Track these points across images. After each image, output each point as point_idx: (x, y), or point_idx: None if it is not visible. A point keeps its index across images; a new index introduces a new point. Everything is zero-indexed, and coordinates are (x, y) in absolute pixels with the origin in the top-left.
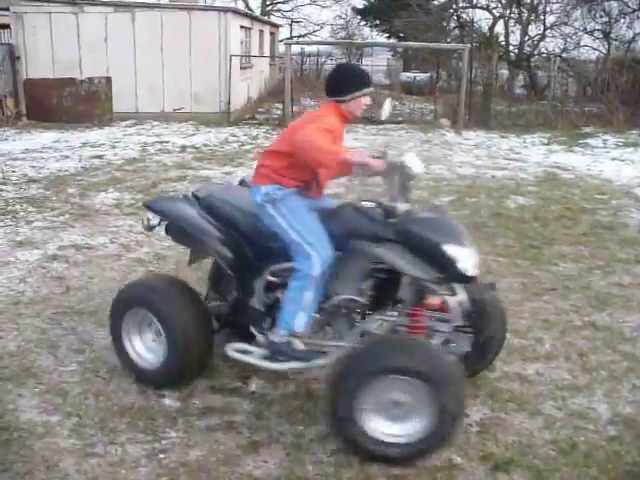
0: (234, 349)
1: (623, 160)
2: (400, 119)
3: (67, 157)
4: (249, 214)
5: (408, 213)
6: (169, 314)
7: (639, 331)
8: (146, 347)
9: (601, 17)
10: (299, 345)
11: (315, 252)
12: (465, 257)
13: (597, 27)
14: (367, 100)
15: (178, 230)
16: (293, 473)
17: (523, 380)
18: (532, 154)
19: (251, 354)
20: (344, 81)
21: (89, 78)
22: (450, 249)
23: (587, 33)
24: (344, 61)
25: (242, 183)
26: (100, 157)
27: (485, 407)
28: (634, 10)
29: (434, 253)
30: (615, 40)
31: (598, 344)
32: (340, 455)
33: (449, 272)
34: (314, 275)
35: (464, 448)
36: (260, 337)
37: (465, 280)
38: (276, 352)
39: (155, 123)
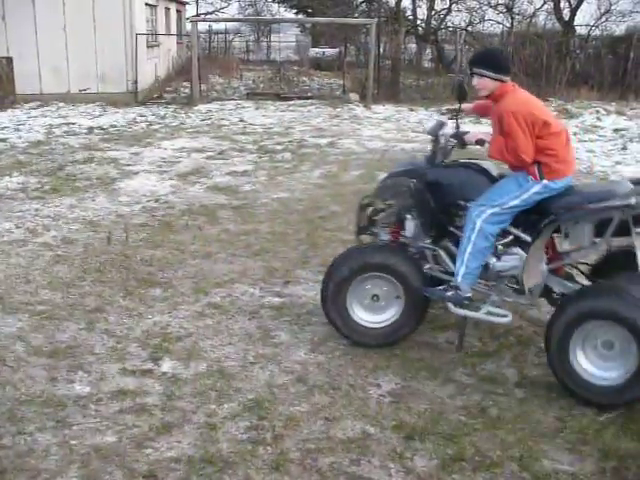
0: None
1: None
2: (309, 95)
3: None
4: None
5: None
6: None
7: None
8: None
9: None
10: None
11: None
12: None
13: (500, 2)
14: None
15: None
16: (207, 452)
17: (434, 348)
18: None
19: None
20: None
21: None
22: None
23: (491, 7)
24: (252, 38)
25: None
26: (3, 140)
27: (397, 377)
28: None
29: None
30: (518, 15)
31: None
32: (254, 432)
33: None
34: None
35: (377, 418)
36: None
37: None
38: None
39: (61, 105)
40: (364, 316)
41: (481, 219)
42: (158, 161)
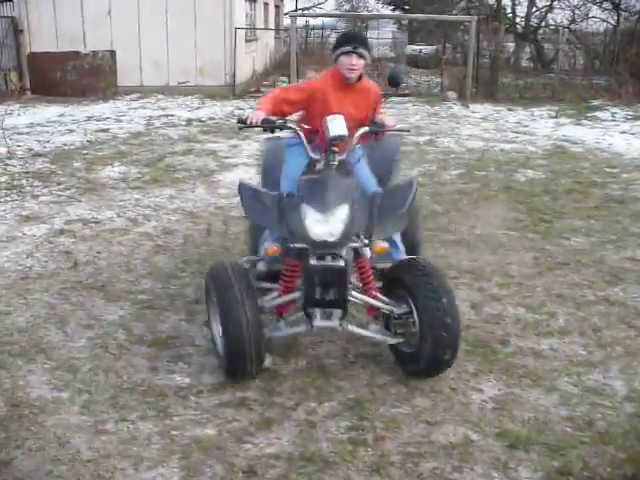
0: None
1: (633, 133)
2: (407, 92)
3: (72, 131)
4: None
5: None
6: None
7: None
8: None
9: None
10: None
11: None
12: (314, 220)
13: None
14: (351, 60)
15: None
16: (307, 450)
17: (537, 355)
18: (540, 127)
19: None
20: (334, 43)
21: (93, 52)
22: (304, 208)
23: (596, 4)
24: None
25: None
26: (105, 131)
27: (500, 383)
28: None
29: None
30: (625, 11)
31: (612, 319)
32: (354, 432)
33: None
34: None
35: (480, 425)
36: None
37: (310, 243)
38: None
39: (160, 97)
40: None
41: None
42: (256, 154)
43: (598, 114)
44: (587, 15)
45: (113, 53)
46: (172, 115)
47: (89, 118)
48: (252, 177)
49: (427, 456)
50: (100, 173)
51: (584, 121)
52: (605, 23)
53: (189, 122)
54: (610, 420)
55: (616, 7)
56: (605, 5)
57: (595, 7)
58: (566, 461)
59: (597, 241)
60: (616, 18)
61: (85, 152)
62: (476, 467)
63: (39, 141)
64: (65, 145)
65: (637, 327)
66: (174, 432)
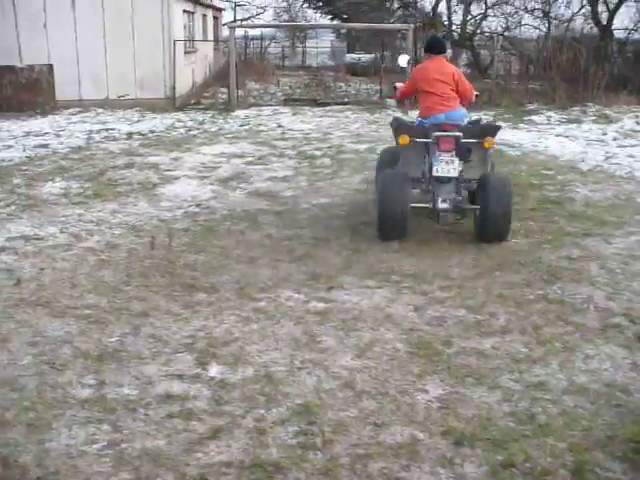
0: None
1: (567, 136)
2: (346, 100)
3: (10, 147)
4: None
5: None
6: None
7: (589, 302)
8: None
9: None
10: None
11: None
12: None
13: (537, 6)
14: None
15: None
16: (258, 456)
17: (480, 355)
18: None
19: None
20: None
21: (29, 66)
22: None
23: (528, 12)
24: (287, 44)
25: None
26: (45, 146)
27: (444, 383)
28: None
29: None
30: (554, 19)
31: (551, 317)
32: (303, 437)
33: None
34: None
35: (426, 424)
36: None
37: None
38: None
39: (100, 110)
40: None
41: None
42: (198, 166)
43: (534, 118)
44: (520, 23)
45: (50, 67)
46: (112, 129)
47: (27, 133)
48: (195, 189)
49: (375, 457)
50: (41, 189)
51: (521, 125)
52: (537, 30)
53: (130, 135)
54: (550, 413)
55: (546, 15)
56: (536, 13)
57: (527, 15)
58: (509, 454)
59: (535, 241)
60: (547, 26)
61: (25, 168)
62: (423, 465)
63: None
64: (3, 161)
65: (574, 323)
66: (124, 445)
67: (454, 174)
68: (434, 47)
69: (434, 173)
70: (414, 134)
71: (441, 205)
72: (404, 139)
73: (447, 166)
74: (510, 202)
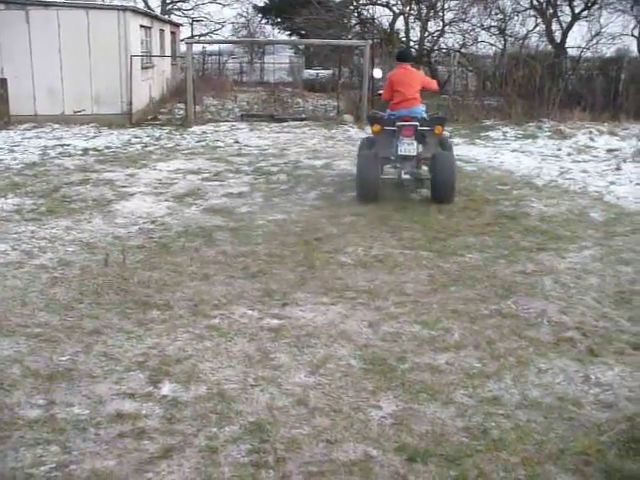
0: None
1: (523, 151)
2: (303, 116)
3: None
4: None
5: None
6: None
7: (543, 316)
8: None
9: (496, 14)
10: None
11: None
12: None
13: (493, 24)
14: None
15: None
16: (210, 476)
17: (434, 370)
18: None
19: None
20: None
21: None
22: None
23: (484, 29)
24: (245, 59)
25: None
26: None
27: (398, 399)
28: (526, 8)
29: None
30: (510, 36)
31: (505, 331)
32: (255, 455)
33: None
34: None
35: (379, 441)
36: None
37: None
38: None
39: (55, 126)
40: None
41: None
42: (154, 183)
43: (490, 133)
44: (476, 39)
45: (4, 81)
46: (68, 145)
47: None
48: (150, 205)
49: (328, 475)
50: None
51: (477, 140)
52: (493, 47)
53: (85, 151)
54: (503, 427)
55: (502, 33)
56: (493, 30)
57: (484, 32)
58: (462, 470)
59: (490, 256)
60: (503, 43)
61: None
62: None
63: None
64: None
65: (528, 338)
66: (73, 466)
67: (413, 153)
68: (405, 56)
69: (399, 152)
70: (384, 124)
71: (404, 176)
72: (376, 128)
73: (408, 147)
74: (453, 172)
